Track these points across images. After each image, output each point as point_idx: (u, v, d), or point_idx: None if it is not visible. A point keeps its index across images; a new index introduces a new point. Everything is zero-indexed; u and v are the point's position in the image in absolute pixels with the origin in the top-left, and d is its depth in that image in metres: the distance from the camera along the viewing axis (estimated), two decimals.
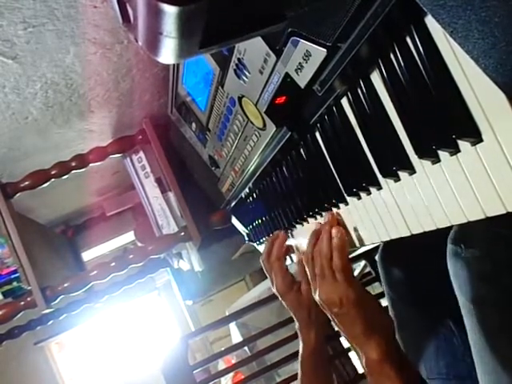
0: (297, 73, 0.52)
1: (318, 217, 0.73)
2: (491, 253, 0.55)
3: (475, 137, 0.38)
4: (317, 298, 0.65)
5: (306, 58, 0.49)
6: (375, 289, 1.37)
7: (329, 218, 0.66)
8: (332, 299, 0.62)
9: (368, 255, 1.29)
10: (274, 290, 0.82)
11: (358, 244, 0.65)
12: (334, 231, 0.64)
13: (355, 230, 0.64)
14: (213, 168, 0.99)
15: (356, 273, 1.59)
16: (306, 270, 0.68)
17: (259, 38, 0.55)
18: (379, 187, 0.54)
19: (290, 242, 0.86)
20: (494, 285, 0.54)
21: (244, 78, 0.64)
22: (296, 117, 0.62)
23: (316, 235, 0.67)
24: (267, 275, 0.84)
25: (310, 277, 0.68)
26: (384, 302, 1.25)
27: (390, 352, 0.60)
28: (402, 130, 0.47)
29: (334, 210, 0.67)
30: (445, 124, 0.40)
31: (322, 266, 0.64)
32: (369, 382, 0.62)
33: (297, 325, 0.82)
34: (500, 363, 0.53)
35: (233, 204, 1.07)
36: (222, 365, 2.16)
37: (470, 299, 0.56)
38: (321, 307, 0.66)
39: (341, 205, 0.65)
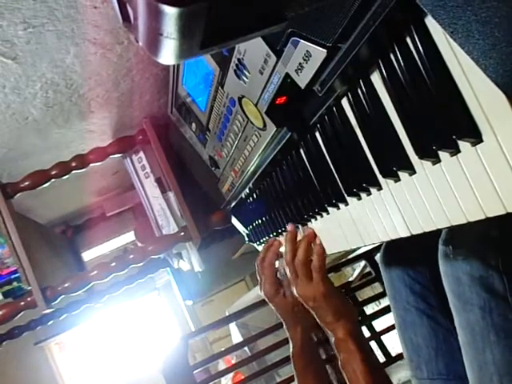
0: (297, 73, 0.52)
1: (318, 217, 0.73)
2: (479, 254, 0.55)
3: (475, 137, 0.38)
4: (295, 293, 0.76)
5: (306, 59, 0.49)
6: (375, 289, 1.37)
7: (308, 233, 0.77)
8: (308, 295, 0.74)
9: (368, 255, 1.29)
10: (262, 294, 0.89)
11: (358, 244, 0.65)
12: (317, 240, 0.76)
13: (355, 230, 0.64)
14: (213, 168, 0.99)
15: (356, 273, 1.59)
16: (287, 270, 0.78)
17: (259, 39, 0.55)
18: (379, 187, 0.54)
19: (283, 249, 0.88)
20: (480, 285, 0.55)
21: (244, 78, 0.64)
22: (296, 117, 0.62)
23: (292, 241, 0.78)
24: (258, 278, 0.91)
25: (289, 275, 0.77)
26: (384, 302, 1.25)
27: (353, 332, 0.71)
28: (402, 131, 0.47)
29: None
30: (445, 124, 0.40)
31: (300, 268, 0.75)
32: (339, 361, 0.72)
33: (285, 326, 0.87)
34: (482, 362, 0.55)
35: (233, 204, 1.07)
36: (222, 365, 2.17)
37: (457, 298, 0.58)
38: (300, 301, 0.77)
39: (341, 205, 0.65)
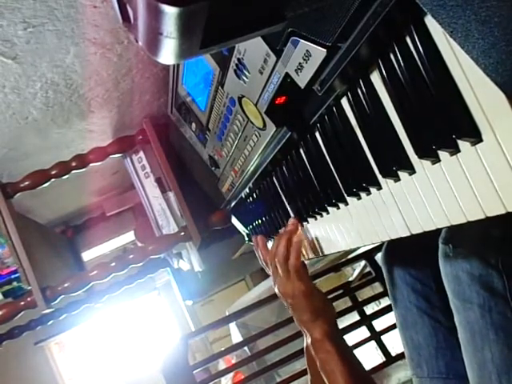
0: (297, 73, 0.52)
1: (318, 217, 0.73)
2: (479, 252, 0.55)
3: (475, 137, 0.38)
4: (276, 290, 0.77)
5: (305, 58, 0.49)
6: (375, 289, 1.37)
7: (290, 225, 0.78)
8: (287, 292, 0.74)
9: (368, 255, 1.30)
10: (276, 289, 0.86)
11: (358, 244, 0.65)
12: (294, 238, 0.75)
13: (355, 229, 0.64)
14: (213, 168, 0.99)
15: (356, 273, 1.59)
16: (269, 266, 0.79)
17: (259, 38, 0.55)
18: (379, 187, 0.54)
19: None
20: (480, 284, 0.55)
21: (244, 78, 0.64)
22: (296, 117, 0.62)
23: (278, 239, 0.77)
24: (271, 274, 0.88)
25: (271, 272, 0.79)
26: (384, 302, 1.25)
27: (330, 333, 0.71)
28: (401, 130, 0.47)
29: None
30: (445, 124, 0.40)
31: (280, 265, 0.75)
32: (317, 362, 0.71)
33: None
34: (481, 360, 0.55)
35: (233, 204, 1.07)
36: (222, 365, 2.17)
37: (457, 297, 0.58)
38: (279, 297, 0.77)
39: (341, 205, 0.65)
